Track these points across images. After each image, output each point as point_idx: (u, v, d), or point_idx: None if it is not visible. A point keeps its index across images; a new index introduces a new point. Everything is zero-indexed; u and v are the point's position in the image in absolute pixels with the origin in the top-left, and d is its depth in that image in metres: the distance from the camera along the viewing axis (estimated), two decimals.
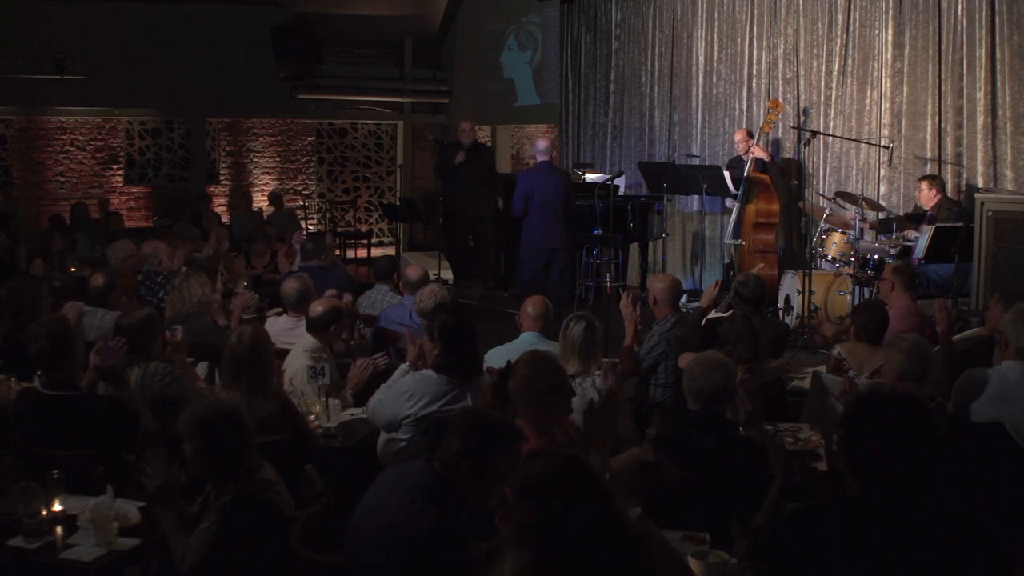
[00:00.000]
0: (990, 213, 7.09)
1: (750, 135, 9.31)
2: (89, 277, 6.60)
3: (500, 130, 14.46)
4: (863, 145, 8.94)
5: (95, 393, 4.26)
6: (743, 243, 9.10)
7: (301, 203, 15.09)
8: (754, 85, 9.99)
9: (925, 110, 8.54)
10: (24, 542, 3.27)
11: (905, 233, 7.94)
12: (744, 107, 10.08)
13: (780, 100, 9.46)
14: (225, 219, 13.59)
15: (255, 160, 14.90)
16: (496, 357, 4.82)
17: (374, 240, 14.63)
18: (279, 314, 6.24)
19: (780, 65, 9.73)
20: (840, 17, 9.16)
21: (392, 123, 15.94)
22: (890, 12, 8.75)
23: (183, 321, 5.40)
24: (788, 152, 9.75)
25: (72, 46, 12.40)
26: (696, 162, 10.13)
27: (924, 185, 7.96)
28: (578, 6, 11.99)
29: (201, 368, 5.36)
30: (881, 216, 8.55)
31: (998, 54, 8.05)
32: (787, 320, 8.10)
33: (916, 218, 8.09)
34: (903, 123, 8.69)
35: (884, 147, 8.63)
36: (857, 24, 9.04)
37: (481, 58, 14.53)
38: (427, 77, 15.54)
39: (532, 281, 8.48)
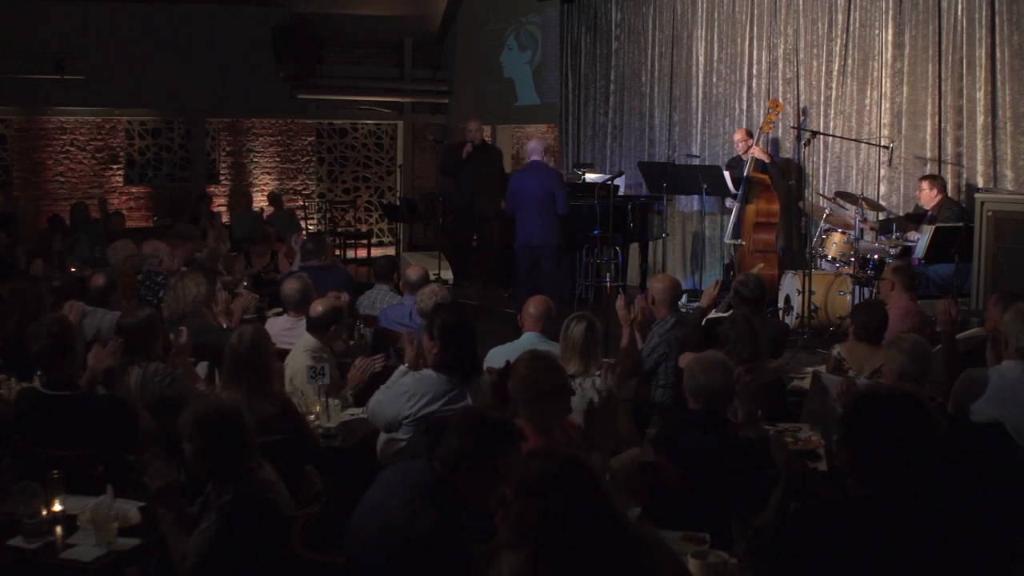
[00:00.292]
0: (990, 213, 7.09)
1: (750, 135, 9.31)
2: (89, 277, 6.60)
3: (500, 130, 14.46)
4: (863, 145, 8.94)
5: (95, 393, 4.26)
6: (743, 243, 9.10)
7: (301, 203, 15.09)
8: (754, 85, 9.99)
9: (925, 110, 8.54)
10: (24, 542, 3.27)
11: (907, 235, 7.94)
12: (744, 107, 10.08)
13: (780, 100, 9.46)
14: (225, 219, 13.59)
15: (255, 160, 14.90)
16: (497, 357, 4.81)
17: (374, 240, 14.63)
18: (279, 314, 6.25)
19: (780, 65, 9.73)
20: (840, 17, 9.16)
21: (392, 123, 15.94)
22: (890, 12, 8.75)
23: (180, 321, 5.40)
24: (788, 152, 9.74)
25: (72, 46, 12.41)
26: (696, 162, 10.13)
27: (925, 185, 7.96)
28: (578, 6, 11.99)
29: (201, 368, 5.36)
30: (881, 217, 8.55)
31: (998, 54, 8.05)
32: (787, 320, 8.10)
33: (916, 218, 8.08)
34: (903, 123, 8.70)
35: (884, 147, 8.63)
36: (857, 24, 9.04)
37: (481, 58, 14.53)
38: (427, 77, 15.54)
39: (521, 280, 8.60)
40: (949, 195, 8.08)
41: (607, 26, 11.59)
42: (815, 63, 9.44)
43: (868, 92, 8.98)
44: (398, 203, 12.85)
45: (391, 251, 13.71)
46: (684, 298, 9.40)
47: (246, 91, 14.07)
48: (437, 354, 4.24)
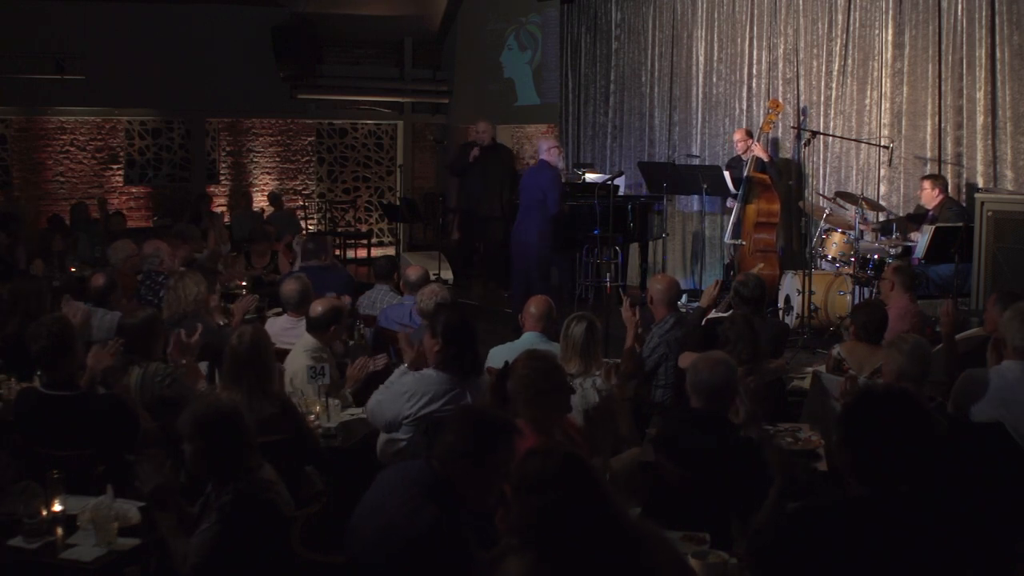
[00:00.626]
0: (990, 213, 7.09)
1: (749, 135, 9.31)
2: (89, 277, 6.61)
3: (500, 130, 14.39)
4: (863, 145, 8.94)
5: (95, 393, 4.26)
6: (743, 243, 9.10)
7: (301, 203, 15.09)
8: (754, 85, 9.99)
9: (925, 110, 8.54)
10: (24, 542, 3.27)
11: (910, 236, 7.92)
12: (744, 107, 10.08)
13: (780, 100, 9.46)
14: (225, 219, 13.58)
15: (255, 160, 14.90)
16: (497, 357, 4.81)
17: (374, 240, 14.63)
18: (279, 314, 6.25)
19: (780, 65, 9.73)
20: (840, 17, 9.16)
21: (392, 123, 15.94)
22: (890, 12, 8.75)
23: (181, 321, 5.40)
24: (788, 152, 9.75)
25: (72, 46, 12.40)
26: (696, 162, 10.13)
27: (927, 184, 7.95)
28: (578, 6, 11.99)
29: (201, 368, 5.35)
30: (881, 217, 8.55)
31: (998, 54, 8.05)
32: (787, 320, 8.10)
33: (917, 218, 8.08)
34: (903, 123, 8.69)
35: (884, 147, 8.63)
36: (857, 24, 9.04)
37: (481, 58, 14.53)
38: (427, 77, 15.54)
39: (517, 278, 8.72)
40: (950, 195, 8.09)
41: (607, 26, 11.59)
42: (815, 63, 9.44)
43: (868, 92, 8.98)
44: (398, 203, 12.84)
45: (391, 251, 13.71)
46: (684, 298, 9.41)
47: (246, 91, 14.07)
48: (440, 352, 4.23)
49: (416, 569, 2.79)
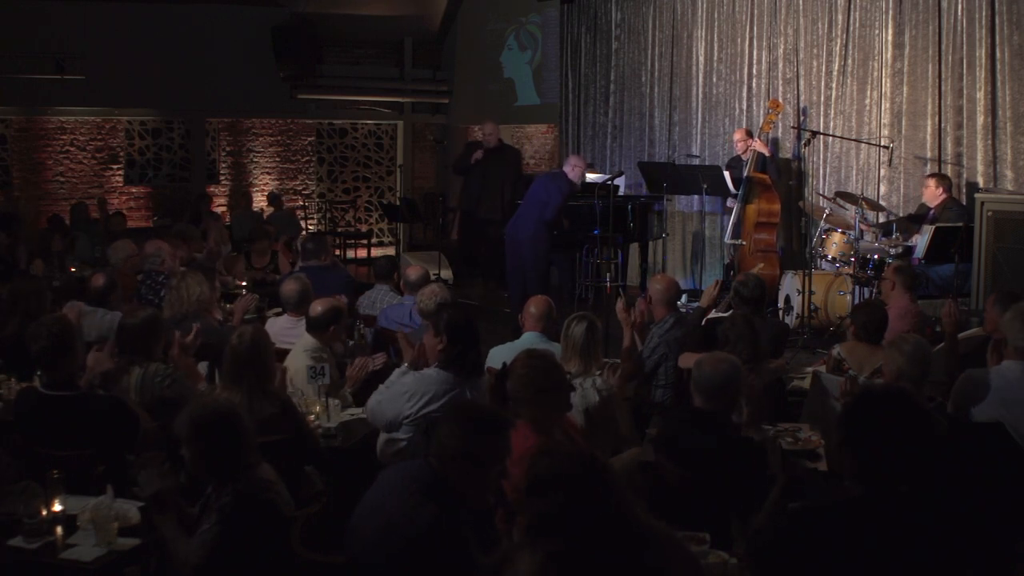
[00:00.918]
0: (990, 213, 7.09)
1: (749, 135, 9.31)
2: (89, 277, 6.60)
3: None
4: (863, 145, 8.94)
5: (95, 393, 4.26)
6: (743, 243, 9.10)
7: (301, 203, 15.09)
8: (754, 85, 10.00)
9: (925, 110, 8.54)
10: (24, 542, 3.27)
11: (911, 236, 7.92)
12: (744, 107, 10.08)
13: (780, 100, 9.46)
14: (225, 219, 13.58)
15: (255, 160, 14.90)
16: (497, 357, 4.81)
17: (374, 240, 14.63)
18: (279, 314, 6.24)
19: (780, 65, 9.73)
20: (840, 17, 9.16)
21: (392, 123, 15.94)
22: (890, 12, 8.75)
23: (182, 321, 5.40)
24: (788, 152, 9.75)
25: (72, 46, 12.40)
26: (696, 162, 10.13)
27: (931, 182, 7.95)
28: (578, 6, 11.99)
29: (201, 368, 5.35)
30: (882, 218, 8.55)
31: (998, 54, 8.05)
32: (787, 320, 8.10)
33: (919, 219, 8.06)
34: (903, 123, 8.70)
35: (884, 147, 8.63)
36: (857, 24, 9.04)
37: (481, 58, 14.53)
38: (427, 77, 15.54)
39: (512, 276, 8.74)
40: (953, 195, 8.08)
41: (607, 26, 11.59)
42: (815, 63, 9.44)
43: (868, 92, 8.98)
44: (398, 203, 12.84)
45: (391, 251, 13.71)
46: (684, 298, 9.42)
47: (246, 91, 14.07)
48: (444, 351, 4.23)
49: (416, 569, 2.79)
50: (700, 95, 10.53)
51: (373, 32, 14.83)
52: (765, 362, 4.83)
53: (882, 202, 8.71)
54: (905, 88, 8.67)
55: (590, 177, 10.22)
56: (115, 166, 14.02)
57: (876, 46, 8.90)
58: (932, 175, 8.07)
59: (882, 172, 8.82)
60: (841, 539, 2.50)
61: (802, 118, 9.48)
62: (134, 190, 14.16)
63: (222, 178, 14.68)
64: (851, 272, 7.93)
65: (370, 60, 15.29)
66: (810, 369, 5.67)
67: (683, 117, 10.75)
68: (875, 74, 8.92)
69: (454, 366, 4.21)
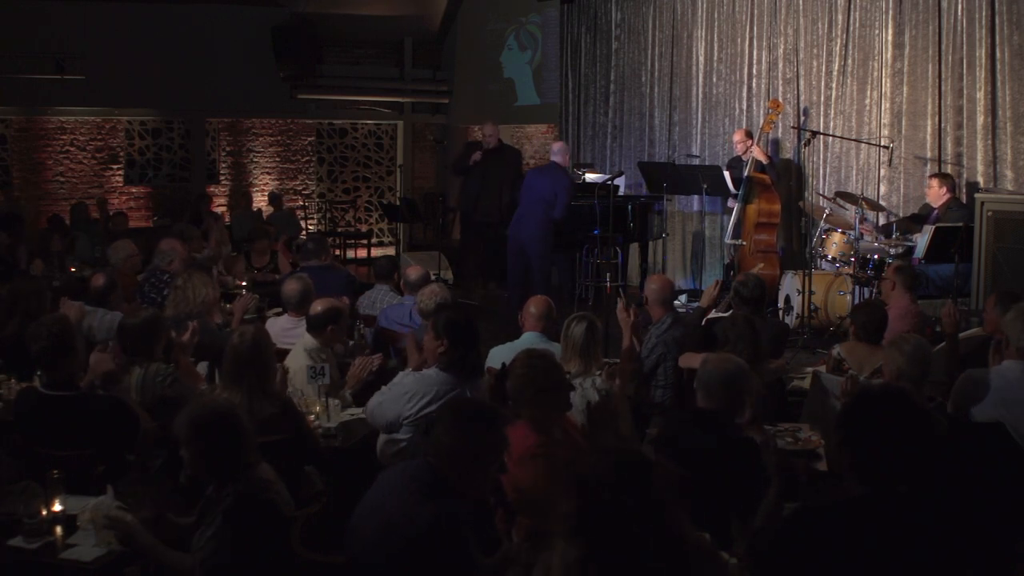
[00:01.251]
0: (990, 213, 7.10)
1: (749, 135, 9.31)
2: (89, 277, 6.60)
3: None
4: (863, 145, 8.94)
5: (95, 393, 4.26)
6: (743, 243, 9.10)
7: (301, 203, 15.09)
8: (754, 85, 10.00)
9: (925, 110, 8.54)
10: (24, 542, 3.27)
11: (913, 237, 7.92)
12: (744, 107, 10.08)
13: (780, 100, 9.46)
14: (225, 219, 13.58)
15: (255, 160, 14.90)
16: (497, 357, 4.81)
17: (374, 240, 14.63)
18: (279, 314, 6.24)
19: (780, 65, 9.73)
20: (840, 17, 9.16)
21: (392, 123, 15.94)
22: (890, 12, 8.75)
23: (184, 321, 5.39)
24: (788, 152, 9.75)
25: (72, 46, 12.40)
26: (696, 162, 10.13)
27: (935, 182, 7.95)
28: (578, 6, 12.00)
29: (201, 368, 5.35)
30: (882, 220, 8.55)
31: (998, 54, 8.05)
32: (787, 320, 8.10)
33: (921, 219, 8.04)
34: (903, 123, 8.70)
35: (884, 147, 8.63)
36: (857, 24, 9.05)
37: (481, 58, 14.53)
38: (427, 77, 15.54)
39: (513, 276, 8.73)
40: (956, 196, 8.07)
41: (607, 26, 11.59)
42: (815, 63, 9.44)
43: (868, 92, 8.99)
44: (398, 203, 12.83)
45: (391, 251, 13.71)
46: (684, 298, 9.43)
47: (246, 91, 14.06)
48: (445, 354, 4.23)
49: (416, 568, 2.79)
50: (700, 95, 10.53)
51: (373, 32, 14.83)
52: (765, 362, 4.83)
53: (882, 202, 8.71)
54: (905, 88, 8.67)
55: (590, 177, 10.23)
56: (115, 166, 14.02)
57: (876, 46, 8.90)
58: (935, 175, 8.07)
59: (882, 172, 8.83)
60: (841, 539, 2.50)
61: (802, 118, 9.48)
62: (134, 190, 14.16)
63: (222, 178, 14.68)
64: (851, 272, 7.93)
65: (370, 60, 15.29)
66: (810, 369, 5.67)
67: (683, 117, 10.75)
68: (875, 74, 8.92)
69: (455, 368, 4.21)
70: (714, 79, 10.38)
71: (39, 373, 4.35)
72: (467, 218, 10.88)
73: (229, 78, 13.80)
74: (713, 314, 5.86)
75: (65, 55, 12.26)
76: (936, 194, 7.91)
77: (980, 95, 8.16)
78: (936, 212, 7.88)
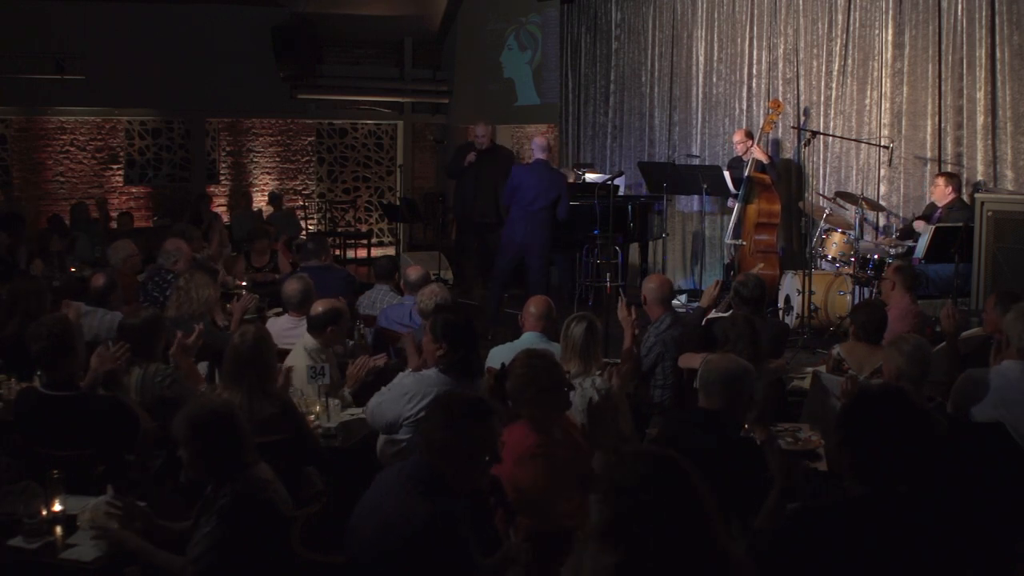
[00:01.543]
0: (990, 213, 7.09)
1: (749, 136, 9.31)
2: (89, 277, 6.60)
3: (500, 130, 14.42)
4: (863, 145, 8.94)
5: (95, 393, 4.26)
6: (743, 243, 9.10)
7: (301, 203, 15.09)
8: (754, 85, 10.00)
9: (925, 110, 8.54)
10: (24, 542, 3.27)
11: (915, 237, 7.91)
12: (744, 107, 10.08)
13: (780, 100, 9.46)
14: (225, 219, 13.58)
15: (255, 160, 14.90)
16: (497, 357, 4.81)
17: (374, 240, 14.64)
18: (279, 314, 6.24)
19: (780, 65, 9.73)
20: (840, 17, 9.16)
21: (392, 123, 15.94)
22: (890, 12, 8.75)
23: (188, 321, 5.39)
24: (788, 152, 9.75)
25: (72, 46, 12.41)
26: (696, 162, 10.13)
27: (941, 181, 7.94)
28: (578, 6, 11.99)
29: (201, 368, 5.35)
30: (883, 222, 8.55)
31: (998, 54, 8.05)
32: (787, 320, 8.10)
33: (928, 218, 8.02)
34: (903, 123, 8.70)
35: (884, 147, 8.63)
36: (857, 24, 9.04)
37: (481, 58, 14.53)
38: (427, 77, 15.54)
39: (500, 275, 8.60)
40: (961, 196, 8.06)
41: (607, 26, 11.59)
42: (815, 63, 9.44)
43: (868, 92, 8.99)
44: (398, 203, 12.83)
45: (391, 251, 13.71)
46: (684, 298, 9.43)
47: (246, 91, 14.06)
48: (445, 356, 4.23)
49: (414, 568, 2.79)
50: (700, 95, 10.53)
51: (373, 32, 14.83)
52: (765, 362, 4.83)
53: (882, 202, 8.71)
54: (905, 88, 8.67)
55: (590, 177, 10.22)
56: (115, 166, 14.02)
57: (876, 46, 8.90)
58: (942, 174, 8.06)
59: (882, 172, 8.83)
60: (841, 539, 2.50)
61: (802, 118, 9.48)
62: (134, 190, 14.16)
63: (222, 178, 14.68)
64: (851, 272, 7.93)
65: (370, 60, 15.29)
66: (810, 369, 5.67)
67: (683, 117, 10.75)
68: (875, 74, 8.92)
69: (455, 369, 4.21)
70: (714, 79, 10.38)
71: (39, 373, 4.36)
72: (463, 220, 10.84)
73: (229, 78, 13.80)
74: (713, 314, 5.87)
75: (65, 55, 12.26)
76: (942, 193, 7.90)
77: (980, 95, 8.16)
78: (940, 211, 7.88)
